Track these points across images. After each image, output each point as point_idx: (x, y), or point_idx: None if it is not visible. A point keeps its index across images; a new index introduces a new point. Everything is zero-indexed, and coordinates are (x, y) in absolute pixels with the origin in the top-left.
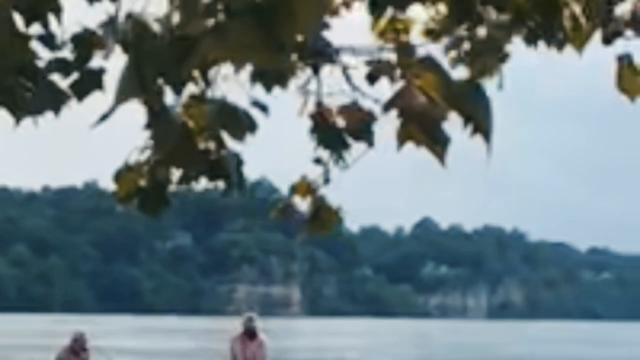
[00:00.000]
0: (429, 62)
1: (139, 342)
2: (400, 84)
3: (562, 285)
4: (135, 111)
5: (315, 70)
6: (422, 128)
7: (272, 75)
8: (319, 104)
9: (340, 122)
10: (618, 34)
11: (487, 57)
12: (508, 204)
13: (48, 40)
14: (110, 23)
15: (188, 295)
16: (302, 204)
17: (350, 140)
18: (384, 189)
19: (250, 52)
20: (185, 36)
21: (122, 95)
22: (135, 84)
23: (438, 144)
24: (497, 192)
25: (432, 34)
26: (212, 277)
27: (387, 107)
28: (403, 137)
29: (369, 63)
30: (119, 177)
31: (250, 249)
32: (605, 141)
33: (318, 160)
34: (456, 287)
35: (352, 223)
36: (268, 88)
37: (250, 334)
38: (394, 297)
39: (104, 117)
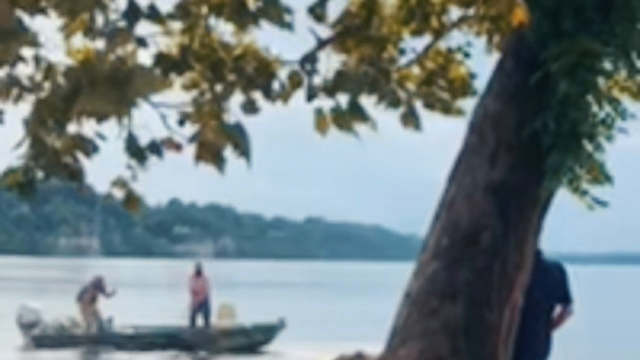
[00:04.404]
0: (214, 113)
1: None
2: (197, 126)
3: None
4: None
5: None
6: (210, 152)
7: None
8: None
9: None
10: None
11: None
12: None
13: None
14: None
15: None
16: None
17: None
18: None
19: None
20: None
21: None
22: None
23: (220, 162)
24: None
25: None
26: None
27: (191, 140)
28: (198, 157)
29: (179, 113)
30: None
31: None
32: None
33: (129, 166)
34: None
35: None
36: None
37: None
38: None
39: None
